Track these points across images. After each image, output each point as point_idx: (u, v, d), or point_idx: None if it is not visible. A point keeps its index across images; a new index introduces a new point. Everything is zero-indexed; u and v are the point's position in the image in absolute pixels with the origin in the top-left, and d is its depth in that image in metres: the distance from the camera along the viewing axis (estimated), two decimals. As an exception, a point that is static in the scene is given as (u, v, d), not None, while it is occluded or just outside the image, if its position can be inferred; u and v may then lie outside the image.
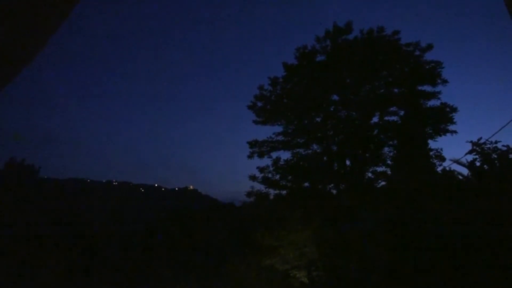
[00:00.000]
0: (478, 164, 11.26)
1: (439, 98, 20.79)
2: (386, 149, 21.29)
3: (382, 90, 21.82)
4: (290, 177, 21.36)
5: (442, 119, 20.50)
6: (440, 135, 20.72)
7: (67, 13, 2.12)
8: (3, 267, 18.63)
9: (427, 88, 21.04)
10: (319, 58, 22.34)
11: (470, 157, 11.43)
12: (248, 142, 22.56)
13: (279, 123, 22.61)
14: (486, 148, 10.99)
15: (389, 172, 20.58)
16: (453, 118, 20.43)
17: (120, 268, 21.04)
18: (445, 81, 20.69)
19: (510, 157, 10.46)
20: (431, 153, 20.29)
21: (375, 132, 21.52)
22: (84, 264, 20.95)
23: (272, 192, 21.60)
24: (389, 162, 20.88)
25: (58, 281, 18.91)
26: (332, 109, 22.10)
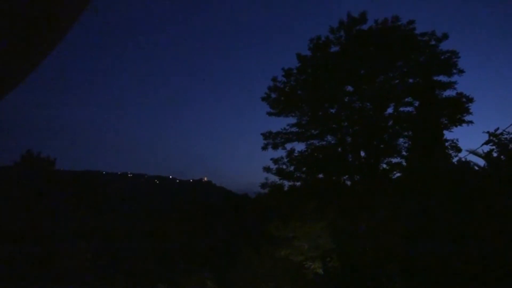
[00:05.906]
0: (495, 155, 11.17)
1: (455, 88, 20.59)
2: (401, 140, 21.25)
3: (397, 81, 21.68)
4: (304, 168, 21.43)
5: (458, 110, 20.28)
6: (456, 126, 20.54)
7: (83, 8, 2.16)
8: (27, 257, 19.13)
9: (443, 78, 20.86)
10: (333, 49, 22.28)
11: (487, 148, 11.35)
12: (262, 134, 22.65)
13: (293, 115, 22.62)
14: (503, 139, 10.89)
15: (404, 163, 20.51)
16: (469, 108, 20.21)
17: (135, 259, 21.34)
18: (461, 71, 20.44)
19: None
20: (446, 143, 20.16)
21: (390, 123, 21.43)
22: (100, 254, 21.32)
23: (286, 183, 21.69)
24: (404, 153, 20.81)
25: (78, 271, 19.31)
26: (346, 100, 22.03)
